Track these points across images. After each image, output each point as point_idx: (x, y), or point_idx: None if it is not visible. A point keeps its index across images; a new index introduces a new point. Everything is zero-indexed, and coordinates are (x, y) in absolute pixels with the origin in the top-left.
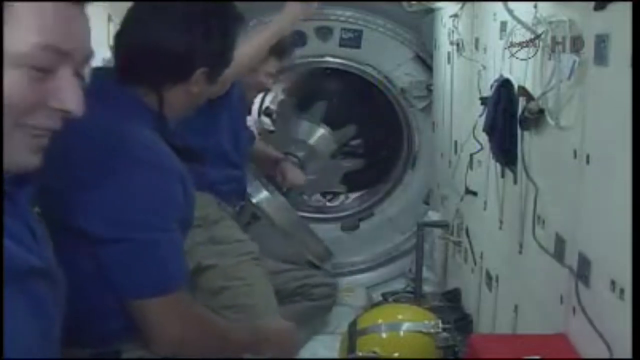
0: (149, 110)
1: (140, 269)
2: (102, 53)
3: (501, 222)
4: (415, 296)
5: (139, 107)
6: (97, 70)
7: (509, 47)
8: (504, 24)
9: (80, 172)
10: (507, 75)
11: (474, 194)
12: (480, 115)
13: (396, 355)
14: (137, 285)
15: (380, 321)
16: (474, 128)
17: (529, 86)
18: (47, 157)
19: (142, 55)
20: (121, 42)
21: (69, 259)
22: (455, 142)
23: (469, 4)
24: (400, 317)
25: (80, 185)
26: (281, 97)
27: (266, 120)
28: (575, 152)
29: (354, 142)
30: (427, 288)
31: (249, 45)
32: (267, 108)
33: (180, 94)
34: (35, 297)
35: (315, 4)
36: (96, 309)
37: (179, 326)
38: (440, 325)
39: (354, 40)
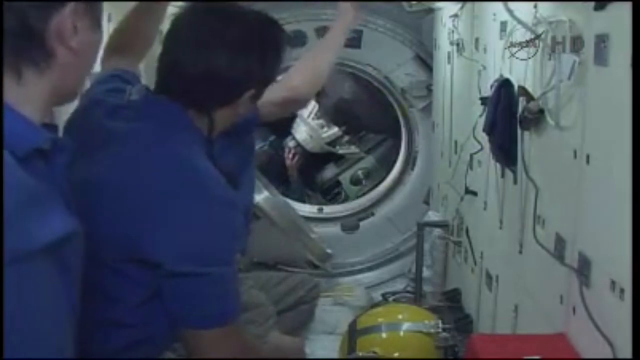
0: (201, 134)
1: (204, 301)
2: (100, 53)
3: (501, 222)
4: (415, 296)
5: (196, 131)
6: (145, 90)
7: (509, 47)
8: (504, 24)
9: (153, 204)
10: (507, 75)
11: (474, 194)
12: (480, 115)
13: (396, 355)
14: (199, 317)
15: (380, 321)
16: (474, 128)
17: (529, 86)
18: (112, 184)
19: (200, 80)
20: (174, 65)
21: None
22: (455, 142)
23: (469, 4)
24: (400, 317)
25: (153, 217)
26: None
27: None
28: (575, 152)
29: (353, 142)
30: (427, 288)
31: (323, 58)
32: None
33: (225, 115)
34: (67, 265)
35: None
36: (100, 325)
37: (230, 356)
38: (440, 325)
39: (354, 40)
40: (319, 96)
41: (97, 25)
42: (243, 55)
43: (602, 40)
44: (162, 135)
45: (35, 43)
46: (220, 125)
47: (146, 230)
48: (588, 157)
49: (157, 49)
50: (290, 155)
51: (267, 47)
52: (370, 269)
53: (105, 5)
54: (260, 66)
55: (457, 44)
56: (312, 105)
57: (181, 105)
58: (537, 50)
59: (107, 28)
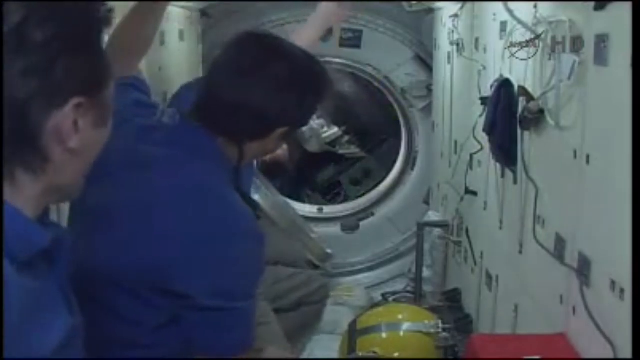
0: (229, 164)
1: (229, 332)
2: None
3: (501, 222)
4: (415, 296)
5: (224, 161)
6: (177, 114)
7: (509, 47)
8: (504, 24)
9: (184, 238)
10: (507, 75)
11: (474, 194)
12: (480, 115)
13: (396, 355)
14: (222, 346)
15: (380, 321)
16: (474, 128)
17: (529, 86)
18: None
19: (235, 110)
20: (213, 91)
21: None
22: (455, 142)
23: (469, 4)
24: (400, 317)
25: (185, 251)
26: None
27: None
28: (575, 152)
29: (353, 142)
30: (427, 288)
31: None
32: None
33: (254, 148)
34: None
35: (349, 5)
36: (114, 344)
37: None
38: (440, 325)
39: (354, 40)
40: None
41: (102, 120)
42: (282, 93)
43: (602, 40)
44: (191, 162)
45: (30, 146)
46: (249, 158)
47: (176, 263)
48: (588, 157)
49: (157, 49)
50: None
51: (308, 88)
52: (370, 269)
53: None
54: (298, 106)
55: (457, 44)
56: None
57: (212, 133)
58: (537, 50)
59: None
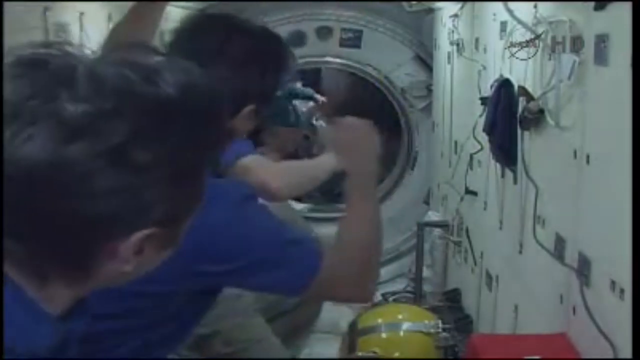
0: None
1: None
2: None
3: (501, 222)
4: (415, 296)
5: None
6: None
7: (509, 47)
8: (504, 24)
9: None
10: (507, 75)
11: (474, 194)
12: (480, 115)
13: (396, 355)
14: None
15: (380, 321)
16: (474, 128)
17: (529, 86)
18: None
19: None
20: None
21: None
22: (455, 142)
23: (469, 4)
24: (400, 317)
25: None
26: None
27: None
28: (575, 152)
29: None
30: (427, 288)
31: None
32: None
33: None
34: None
35: None
36: None
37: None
38: (440, 325)
39: (354, 40)
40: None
41: (172, 244)
42: (242, 70)
43: (602, 40)
44: None
45: (77, 262)
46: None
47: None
48: (588, 157)
49: None
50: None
51: (268, 62)
52: None
53: (105, 5)
54: (260, 82)
55: (457, 44)
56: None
57: None
58: (537, 50)
59: (107, 28)
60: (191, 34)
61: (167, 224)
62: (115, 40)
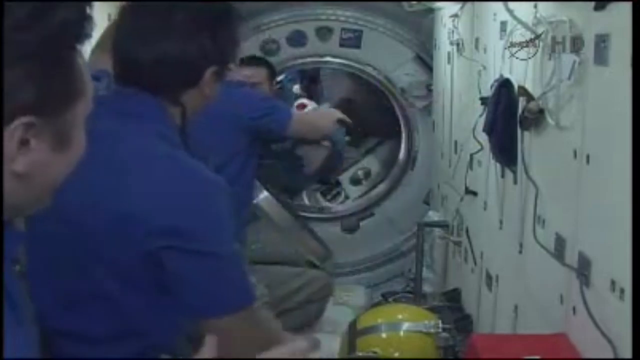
0: (173, 123)
1: (216, 284)
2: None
3: (501, 222)
4: (415, 296)
5: (167, 120)
6: (112, 83)
7: (509, 47)
8: (504, 24)
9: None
10: (507, 75)
11: (474, 194)
12: (480, 115)
13: (396, 355)
14: (215, 299)
15: (380, 321)
16: (474, 128)
17: (529, 86)
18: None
19: (154, 67)
20: (126, 56)
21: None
22: (455, 142)
23: (469, 4)
24: (400, 317)
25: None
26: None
27: None
28: (575, 152)
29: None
30: (427, 288)
31: None
32: None
33: (193, 99)
34: None
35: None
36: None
37: (247, 343)
38: (440, 325)
39: (354, 40)
40: (319, 97)
41: (64, 143)
42: (194, 35)
43: (602, 40)
44: (135, 128)
45: None
46: (191, 111)
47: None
48: (588, 157)
49: None
50: None
51: (217, 22)
52: (370, 269)
53: (105, 5)
54: (214, 42)
55: (457, 44)
56: (312, 106)
57: (148, 97)
58: (537, 50)
59: None
60: (136, 11)
61: (42, 111)
62: (107, 39)
